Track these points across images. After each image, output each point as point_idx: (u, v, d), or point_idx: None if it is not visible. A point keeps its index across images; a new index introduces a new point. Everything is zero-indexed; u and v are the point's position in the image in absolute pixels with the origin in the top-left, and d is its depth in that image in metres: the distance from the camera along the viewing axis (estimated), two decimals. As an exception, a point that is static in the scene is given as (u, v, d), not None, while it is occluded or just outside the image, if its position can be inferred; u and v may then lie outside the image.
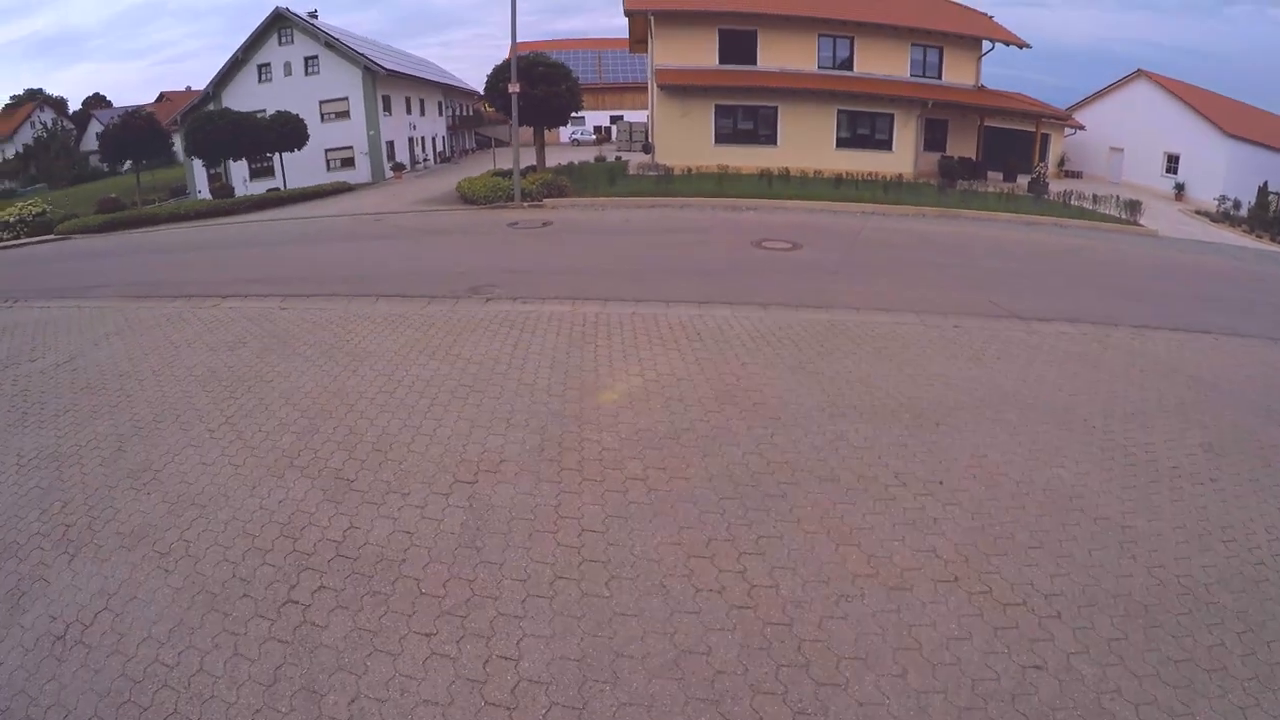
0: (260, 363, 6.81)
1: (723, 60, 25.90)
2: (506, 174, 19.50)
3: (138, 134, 27.30)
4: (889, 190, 19.35)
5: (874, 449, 4.82)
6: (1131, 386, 6.30)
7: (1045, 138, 29.30)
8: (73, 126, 56.79)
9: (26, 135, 54.34)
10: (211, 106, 32.42)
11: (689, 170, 22.89)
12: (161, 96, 64.27)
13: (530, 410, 5.40)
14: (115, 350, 7.70)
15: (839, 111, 25.51)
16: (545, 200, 18.28)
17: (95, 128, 51.36)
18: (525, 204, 17.98)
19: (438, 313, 8.23)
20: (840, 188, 19.49)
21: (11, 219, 23.51)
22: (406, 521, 4.09)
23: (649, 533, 3.90)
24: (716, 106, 25.57)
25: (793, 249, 11.88)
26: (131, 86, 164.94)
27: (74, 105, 64.76)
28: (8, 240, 22.33)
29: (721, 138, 25.80)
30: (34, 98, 62.09)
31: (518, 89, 18.29)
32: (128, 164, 30.06)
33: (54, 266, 15.42)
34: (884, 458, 4.72)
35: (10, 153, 52.57)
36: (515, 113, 18.79)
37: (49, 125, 55.15)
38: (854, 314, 8.06)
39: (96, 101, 66.40)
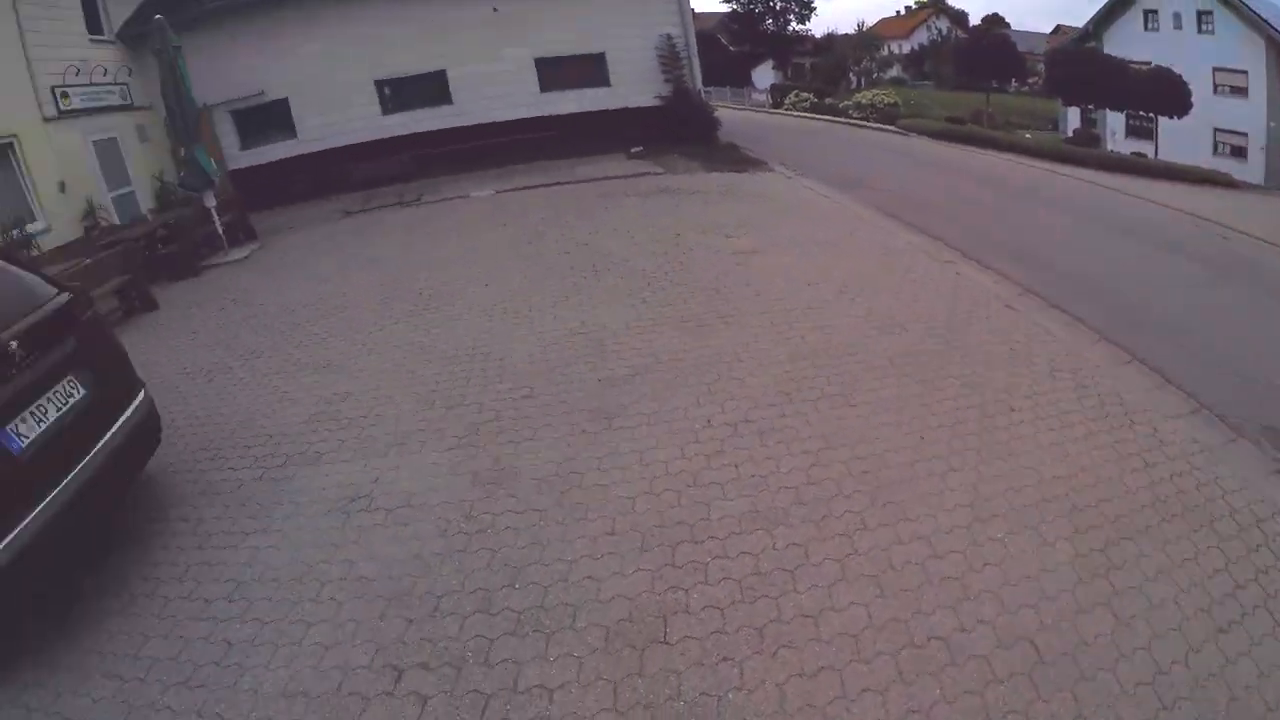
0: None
1: None
2: None
3: (988, 54, 27.70)
4: None
5: None
6: None
7: None
8: (965, 36, 62.54)
9: (922, 37, 63.10)
10: (1092, 44, 30.58)
11: None
12: (1057, 29, 63.99)
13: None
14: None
15: None
16: None
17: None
18: None
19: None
20: None
21: (864, 101, 27.08)
22: None
23: None
24: None
25: None
26: (1036, 13, 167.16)
27: (974, 20, 70.53)
28: (855, 119, 25.87)
29: None
30: (934, 5, 70.15)
31: None
32: (1012, 84, 30.19)
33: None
34: None
35: (906, 49, 62.17)
36: None
37: (943, 32, 62.62)
38: None
39: (994, 21, 70.30)
